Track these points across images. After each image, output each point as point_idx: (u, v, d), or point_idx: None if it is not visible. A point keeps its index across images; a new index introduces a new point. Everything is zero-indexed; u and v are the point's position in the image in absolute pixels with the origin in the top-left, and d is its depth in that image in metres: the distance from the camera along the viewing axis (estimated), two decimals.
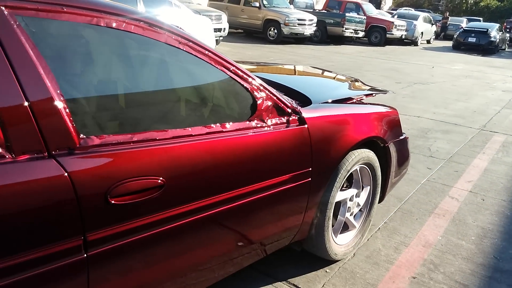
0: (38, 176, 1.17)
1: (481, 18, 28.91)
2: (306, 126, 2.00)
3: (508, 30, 23.45)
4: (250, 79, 1.81)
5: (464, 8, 34.84)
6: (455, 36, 20.27)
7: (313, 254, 2.44)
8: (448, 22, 26.31)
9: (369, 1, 26.31)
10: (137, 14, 1.48)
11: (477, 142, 5.18)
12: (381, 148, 2.58)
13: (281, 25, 14.75)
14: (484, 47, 18.95)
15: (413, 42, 20.22)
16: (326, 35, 17.04)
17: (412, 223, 3.03)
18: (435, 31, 23.66)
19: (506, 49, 21.68)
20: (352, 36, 17.43)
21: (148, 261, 1.47)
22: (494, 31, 19.26)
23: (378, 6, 25.26)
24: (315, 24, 15.77)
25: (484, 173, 4.11)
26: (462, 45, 19.50)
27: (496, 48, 19.51)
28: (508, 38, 22.13)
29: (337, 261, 2.50)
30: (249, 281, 2.26)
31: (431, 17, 23.00)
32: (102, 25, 1.39)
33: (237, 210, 1.73)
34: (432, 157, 4.44)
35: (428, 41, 22.37)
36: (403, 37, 19.30)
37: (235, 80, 1.76)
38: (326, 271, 2.42)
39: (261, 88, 1.85)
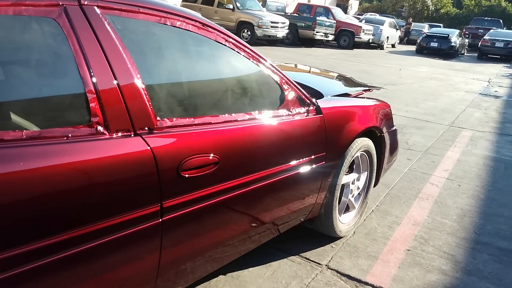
0: (128, 150, 1.39)
1: (441, 24, 30.30)
2: (322, 115, 2.29)
3: (467, 36, 24.70)
4: (279, 74, 2.09)
5: (425, 14, 36.36)
6: (418, 41, 21.21)
7: (319, 232, 2.74)
8: (411, 28, 27.45)
9: (336, 6, 27.08)
10: (194, 15, 1.73)
11: (448, 136, 5.65)
12: (377, 137, 2.90)
13: (254, 27, 15.05)
14: (445, 51, 19.93)
15: (379, 46, 21.03)
16: (298, 37, 17.50)
17: (400, 206, 3.38)
18: (399, 36, 24.65)
19: (465, 54, 22.85)
20: (322, 39, 17.98)
21: (204, 228, 1.71)
22: (455, 37, 20.30)
23: (344, 11, 26.03)
24: (287, 27, 16.19)
25: (458, 163, 4.54)
26: (425, 49, 20.43)
27: (456, 53, 20.56)
28: (467, 43, 23.33)
29: (341, 238, 2.80)
30: (267, 255, 2.52)
31: (395, 23, 23.96)
32: (168, 24, 1.63)
33: (269, 187, 1.99)
34: (410, 150, 4.84)
35: (393, 45, 23.30)
36: (370, 41, 20.05)
37: (268, 74, 2.03)
38: (332, 246, 2.71)
39: (288, 81, 2.13)
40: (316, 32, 17.22)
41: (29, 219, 1.15)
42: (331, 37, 18.46)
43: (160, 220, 1.50)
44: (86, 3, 1.40)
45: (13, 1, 1.23)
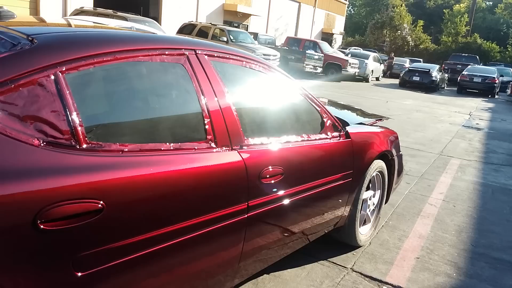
0: (229, 160, 1.84)
1: (421, 59, 31.77)
2: (350, 139, 2.77)
3: (446, 70, 25.97)
4: (320, 104, 2.57)
5: (405, 49, 38.02)
6: (401, 75, 22.25)
7: (340, 241, 3.17)
8: (394, 62, 28.72)
9: (322, 40, 28.23)
10: (263, 60, 2.22)
11: (439, 164, 6.20)
12: (388, 160, 3.39)
13: None
14: (427, 85, 20.95)
15: (365, 79, 21.98)
16: (287, 70, 18.25)
17: (406, 222, 3.84)
18: (383, 70, 25.76)
19: (445, 88, 24.01)
20: (311, 72, 18.79)
21: (272, 225, 2.14)
22: (435, 71, 21.41)
23: (329, 44, 27.16)
24: (278, 59, 16.93)
25: (451, 187, 5.06)
26: (408, 83, 21.44)
27: (437, 87, 21.62)
28: (447, 78, 24.54)
29: (359, 247, 3.23)
30: (300, 260, 2.93)
31: (379, 57, 25.11)
32: (247, 66, 2.11)
33: (315, 196, 2.44)
34: (407, 175, 5.35)
35: (377, 78, 24.33)
36: (356, 74, 20.97)
37: (313, 105, 2.52)
38: (353, 254, 3.14)
39: (325, 111, 2.62)
40: (306, 64, 18.03)
41: (172, 206, 1.57)
42: (319, 70, 19.29)
43: (246, 216, 1.93)
44: (199, 52, 1.87)
45: (159, 52, 1.69)
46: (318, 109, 2.57)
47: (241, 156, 1.88)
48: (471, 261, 3.23)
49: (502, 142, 8.72)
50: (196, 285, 1.84)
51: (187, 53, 1.82)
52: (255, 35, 20.27)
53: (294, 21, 31.08)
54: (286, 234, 2.33)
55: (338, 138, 2.67)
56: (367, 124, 3.40)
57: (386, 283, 2.81)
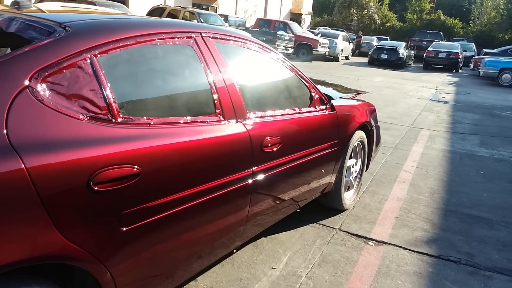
0: (235, 131, 2.06)
1: (388, 37, 32.44)
2: (335, 112, 3.03)
3: (412, 47, 26.67)
4: (308, 80, 2.82)
5: (373, 28, 38.67)
6: (369, 53, 22.75)
7: (328, 206, 3.47)
8: (362, 41, 29.23)
9: (290, 20, 28.39)
10: (260, 41, 2.44)
11: (411, 135, 6.60)
12: (368, 130, 3.69)
13: None
14: (394, 62, 21.52)
15: (335, 58, 22.37)
16: None
17: (384, 187, 4.18)
18: (352, 49, 26.22)
19: (412, 64, 24.70)
20: (283, 53, 19.00)
21: (272, 190, 2.39)
22: (402, 49, 22.00)
23: (298, 25, 27.33)
24: None
25: (422, 155, 5.45)
26: (376, 61, 21.96)
27: (404, 64, 22.25)
28: (413, 54, 25.22)
29: (344, 210, 3.54)
30: (292, 224, 3.21)
31: (348, 36, 25.51)
32: (245, 47, 2.33)
33: (308, 164, 2.70)
34: (383, 146, 5.69)
35: (347, 57, 24.79)
36: (326, 53, 21.32)
37: (303, 81, 2.76)
38: (339, 216, 3.45)
39: (313, 86, 2.87)
40: (277, 45, 18.21)
41: (191, 171, 1.80)
42: (291, 50, 19.53)
43: (251, 180, 2.17)
44: (204, 35, 2.07)
45: (171, 35, 1.89)
46: (307, 84, 2.82)
47: (245, 127, 2.11)
48: (444, 218, 3.60)
49: (467, 113, 9.24)
50: (214, 240, 2.08)
51: (194, 36, 2.02)
52: (225, 17, 20.22)
53: (262, 2, 31.07)
54: (283, 198, 2.59)
55: (325, 110, 2.93)
56: (348, 98, 3.68)
57: (371, 239, 3.13)
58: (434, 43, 23.73)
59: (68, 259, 1.36)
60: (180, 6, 18.15)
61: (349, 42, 25.16)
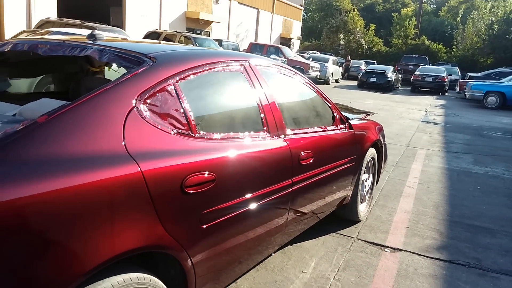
0: (279, 145, 2.36)
1: (375, 61, 33.38)
2: (353, 130, 3.36)
3: (399, 71, 27.50)
4: (330, 101, 3.15)
5: (360, 52, 39.73)
6: (359, 76, 23.42)
7: (344, 218, 3.75)
8: (350, 64, 30.03)
9: (280, 44, 29.13)
10: (292, 68, 2.77)
11: (409, 154, 6.97)
12: (378, 148, 4.01)
13: None
14: (383, 85, 22.19)
15: (326, 81, 22.96)
16: None
17: (392, 201, 4.49)
18: (341, 72, 26.93)
19: (400, 88, 25.45)
20: None
21: (303, 200, 2.68)
22: (390, 72, 22.72)
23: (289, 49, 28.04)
24: None
25: (422, 172, 5.80)
26: (365, 84, 22.61)
27: (392, 87, 22.94)
28: (400, 78, 26.01)
29: (359, 222, 3.83)
30: (314, 234, 3.48)
31: (337, 60, 26.25)
32: (281, 72, 2.66)
33: (331, 177, 3.00)
34: None
35: (337, 81, 25.45)
36: (318, 77, 21.90)
37: (326, 103, 3.10)
38: (355, 227, 3.74)
39: (335, 106, 3.20)
40: None
41: (247, 180, 2.08)
42: None
43: (291, 190, 2.46)
44: (251, 64, 2.39)
45: (228, 63, 2.20)
46: (330, 105, 3.15)
47: (287, 142, 2.41)
48: (450, 228, 3.90)
49: (457, 134, 9.68)
50: (264, 240, 2.35)
51: (244, 63, 2.34)
52: (220, 42, 20.73)
53: (253, 27, 31.85)
54: (312, 207, 2.88)
55: (345, 129, 3.26)
56: (360, 119, 4.02)
57: (387, 246, 3.42)
58: (420, 67, 24.55)
59: (164, 248, 1.62)
60: (176, 31, 18.60)
61: (339, 66, 25.87)
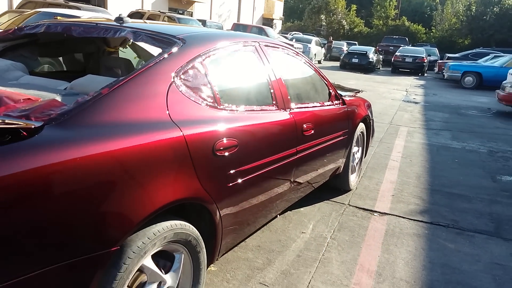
0: (286, 118, 2.66)
1: (356, 42, 33.78)
2: (346, 106, 3.68)
3: (380, 52, 27.95)
4: (326, 79, 3.46)
5: (341, 33, 40.06)
6: (341, 57, 23.76)
7: (336, 187, 4.11)
8: (332, 46, 30.33)
9: (263, 25, 29.15)
10: (296, 48, 3.04)
11: (392, 131, 7.38)
12: (367, 123, 4.36)
13: None
14: (365, 66, 22.59)
15: None
16: None
17: (378, 173, 4.88)
18: (323, 53, 27.22)
19: (381, 68, 25.94)
20: None
21: (304, 167, 3.00)
22: (371, 53, 23.12)
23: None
24: None
25: (405, 148, 6.20)
26: (348, 65, 22.97)
27: (374, 68, 23.38)
28: (381, 59, 26.47)
29: (349, 191, 4.19)
30: (309, 201, 3.82)
31: (320, 41, 26.50)
32: (285, 52, 2.94)
33: (329, 147, 3.33)
34: None
35: (319, 62, 25.73)
36: None
37: (324, 80, 3.40)
38: (346, 195, 4.10)
39: (331, 84, 3.51)
40: None
41: (262, 147, 2.39)
42: None
43: (295, 157, 2.77)
44: (260, 44, 2.67)
45: (243, 43, 2.47)
46: (326, 82, 3.46)
47: (292, 115, 2.72)
48: (431, 195, 4.31)
49: (437, 112, 10.16)
50: (276, 200, 2.68)
51: (255, 44, 2.61)
52: (203, 22, 20.69)
53: (236, 7, 31.74)
54: (312, 175, 3.21)
55: (339, 104, 3.58)
56: (351, 95, 4.34)
57: (375, 211, 3.79)
58: (401, 48, 25.01)
59: (200, 200, 1.92)
60: (159, 11, 18.49)
61: (321, 47, 26.13)
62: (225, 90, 2.25)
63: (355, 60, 22.74)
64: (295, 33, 30.61)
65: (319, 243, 3.14)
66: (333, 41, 31.35)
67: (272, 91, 2.61)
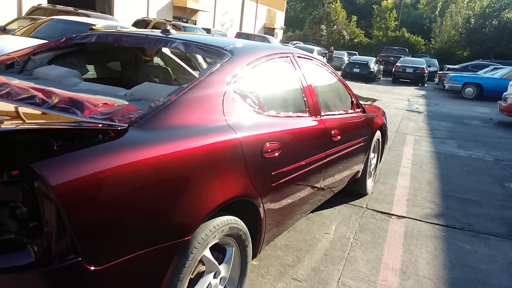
0: (317, 124, 2.84)
1: (356, 52, 34.13)
2: (366, 114, 3.87)
3: (381, 62, 28.27)
4: (350, 88, 3.65)
5: (342, 43, 40.47)
6: (342, 67, 24.04)
7: (354, 192, 4.28)
8: (333, 55, 30.65)
9: (264, 34, 29.48)
10: (323, 60, 3.23)
11: (399, 139, 7.57)
12: (383, 130, 4.55)
13: None
14: (366, 76, 22.84)
15: None
16: None
17: (391, 179, 5.05)
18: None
19: (381, 78, 26.24)
20: None
21: (333, 169, 3.17)
22: (372, 64, 23.40)
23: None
24: None
25: (414, 155, 6.39)
26: (349, 75, 23.20)
27: (375, 77, 23.64)
28: (382, 69, 26.77)
29: (365, 195, 4.36)
30: (329, 205, 3.99)
31: (322, 51, 26.81)
32: (314, 63, 3.14)
33: (351, 153, 3.51)
34: None
35: None
36: None
37: (346, 89, 3.59)
38: (363, 199, 4.27)
39: (353, 94, 3.70)
40: None
41: (299, 150, 2.57)
42: None
43: (324, 161, 2.95)
44: (294, 55, 2.86)
45: (280, 55, 2.66)
46: (349, 92, 3.65)
47: (322, 122, 2.90)
48: (444, 200, 4.49)
49: (440, 122, 10.37)
50: (309, 199, 2.85)
51: (290, 55, 2.80)
52: (208, 31, 20.99)
53: (238, 16, 32.10)
54: (336, 179, 3.38)
55: (360, 112, 3.77)
56: (369, 104, 4.54)
57: (393, 214, 3.96)
58: (401, 58, 25.33)
59: (250, 197, 2.08)
60: (165, 19, 18.78)
61: (323, 57, 26.42)
62: (268, 97, 2.43)
63: (356, 70, 22.99)
64: (297, 43, 30.92)
65: (343, 243, 3.30)
66: (334, 51, 31.67)
67: (305, 99, 2.79)
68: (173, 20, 19.63)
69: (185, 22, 23.66)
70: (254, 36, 22.17)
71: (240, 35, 22.46)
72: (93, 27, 7.87)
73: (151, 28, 17.93)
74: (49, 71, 2.42)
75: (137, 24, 18.58)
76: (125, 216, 1.45)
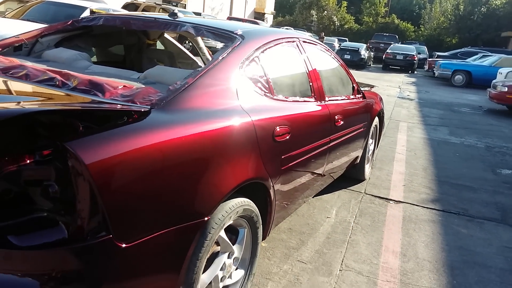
0: (322, 109, 2.88)
1: (346, 38, 34.10)
2: (366, 99, 3.91)
3: (371, 49, 28.31)
4: (350, 74, 3.68)
5: (332, 29, 40.38)
6: None
7: (352, 177, 4.34)
8: (324, 41, 30.59)
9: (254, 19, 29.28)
10: (325, 45, 3.26)
11: (393, 126, 7.66)
12: (381, 117, 4.60)
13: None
14: (356, 62, 22.87)
15: None
16: None
17: (387, 165, 5.13)
18: None
19: (372, 65, 26.32)
20: None
21: (335, 154, 3.22)
22: (363, 50, 23.45)
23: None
24: None
25: (408, 142, 6.48)
26: None
27: (365, 64, 23.71)
28: (372, 55, 26.84)
29: (363, 180, 4.43)
30: (330, 190, 4.05)
31: (313, 37, 26.73)
32: (319, 48, 3.15)
33: (352, 138, 3.55)
34: None
35: None
36: None
37: (348, 75, 3.62)
38: (361, 185, 4.34)
39: (354, 80, 3.73)
40: None
41: (306, 133, 2.60)
42: None
43: (328, 146, 2.99)
44: (300, 40, 2.88)
45: (287, 39, 2.68)
46: (351, 78, 3.68)
47: (327, 107, 2.93)
48: (439, 185, 4.58)
49: (431, 109, 10.49)
50: (315, 182, 2.90)
51: (296, 40, 2.82)
52: (198, 15, 20.75)
53: (228, 0, 31.74)
54: (338, 163, 3.43)
55: (361, 98, 3.81)
56: (368, 90, 4.58)
57: (391, 199, 4.05)
58: (392, 45, 25.40)
59: (262, 179, 2.11)
60: (155, 3, 18.51)
61: None
62: (276, 81, 2.45)
63: (347, 57, 22.94)
64: (287, 28, 30.76)
65: (345, 226, 3.37)
66: (325, 37, 31.59)
67: (311, 84, 2.81)
68: (163, 4, 19.34)
69: (174, 5, 23.35)
70: (245, 21, 21.98)
71: (230, 20, 22.25)
72: (94, 9, 7.76)
73: (141, 11, 17.68)
74: (59, 53, 2.41)
75: (126, 7, 18.28)
76: (152, 196, 1.48)
